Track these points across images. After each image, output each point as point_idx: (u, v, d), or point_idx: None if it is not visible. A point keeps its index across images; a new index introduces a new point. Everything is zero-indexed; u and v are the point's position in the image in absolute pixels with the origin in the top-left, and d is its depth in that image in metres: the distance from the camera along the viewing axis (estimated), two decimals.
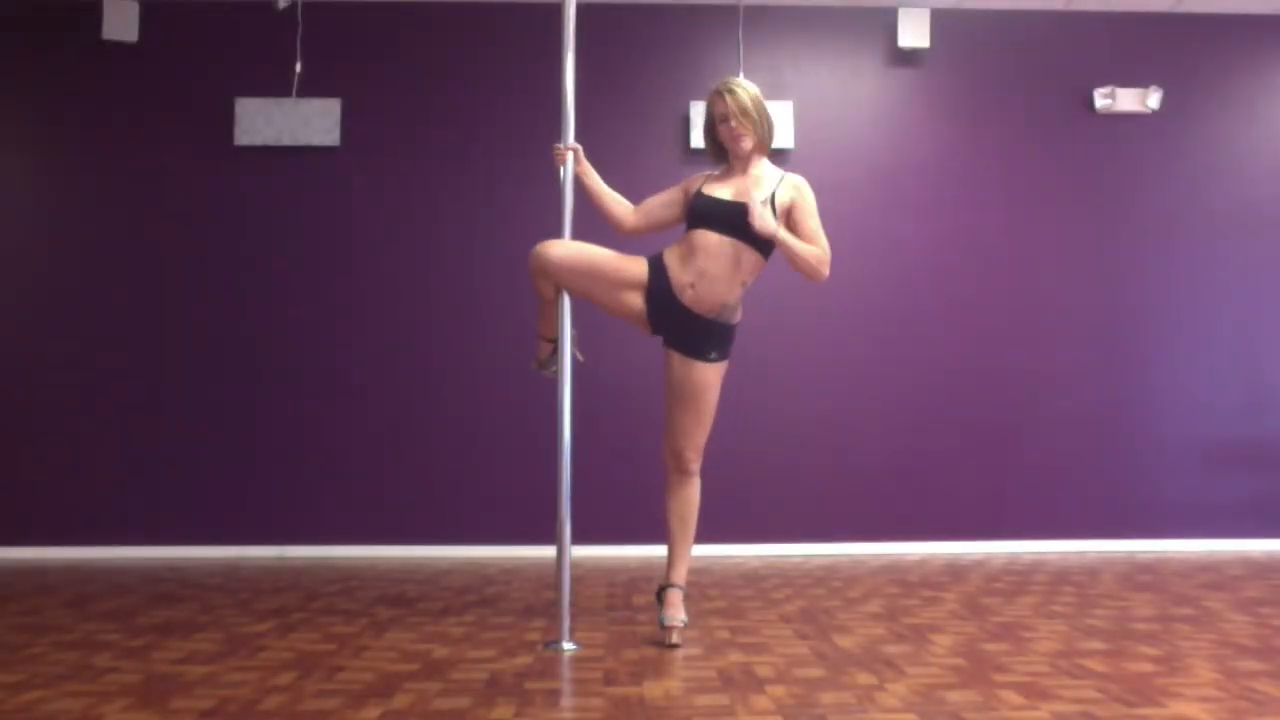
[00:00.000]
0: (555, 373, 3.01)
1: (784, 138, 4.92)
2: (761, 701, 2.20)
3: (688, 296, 2.92)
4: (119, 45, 4.90)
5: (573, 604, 2.97)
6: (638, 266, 2.98)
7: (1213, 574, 4.11)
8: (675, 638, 2.80)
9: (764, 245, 2.92)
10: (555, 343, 3.05)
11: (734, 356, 4.76)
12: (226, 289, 4.89)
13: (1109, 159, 5.11)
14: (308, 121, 4.87)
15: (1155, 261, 5.08)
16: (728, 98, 2.94)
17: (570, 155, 3.05)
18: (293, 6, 4.90)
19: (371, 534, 4.79)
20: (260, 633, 2.95)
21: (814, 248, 2.94)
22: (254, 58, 4.95)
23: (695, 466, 3.05)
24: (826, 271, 2.94)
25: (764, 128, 2.98)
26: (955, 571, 4.21)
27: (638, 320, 3.02)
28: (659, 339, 3.06)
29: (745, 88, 2.97)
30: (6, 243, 4.89)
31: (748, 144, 2.96)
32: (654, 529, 4.76)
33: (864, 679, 2.40)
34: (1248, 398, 5.03)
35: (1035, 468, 4.95)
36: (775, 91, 5.04)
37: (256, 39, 4.95)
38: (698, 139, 4.90)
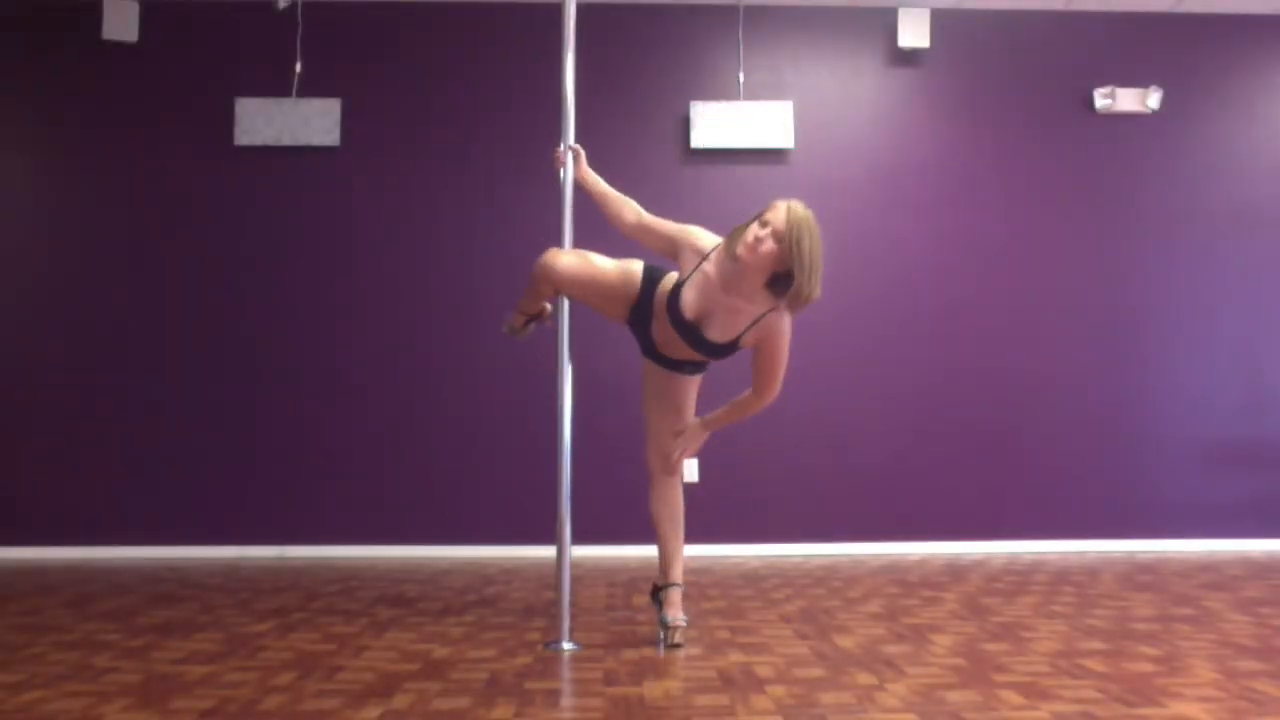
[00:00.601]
0: (526, 337, 3.19)
1: (784, 138, 4.92)
2: (761, 701, 2.20)
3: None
4: (119, 45, 4.91)
5: (573, 604, 2.97)
6: (633, 286, 2.90)
7: (1213, 574, 4.11)
8: (679, 637, 2.79)
9: (698, 368, 2.95)
10: (532, 318, 3.16)
11: (734, 358, 4.74)
12: (226, 289, 4.89)
13: (1109, 159, 5.11)
14: (308, 121, 4.87)
15: (1155, 261, 5.08)
16: (787, 214, 2.56)
17: (570, 156, 3.02)
18: (293, 6, 4.91)
19: (371, 534, 4.79)
20: (260, 633, 2.95)
21: (744, 405, 2.86)
22: (254, 58, 4.95)
23: (681, 466, 3.06)
24: (765, 405, 2.86)
25: (800, 273, 2.55)
26: (955, 571, 4.21)
27: (618, 321, 3.02)
28: None
29: (815, 233, 2.58)
30: (7, 243, 4.89)
31: (757, 275, 2.60)
32: (652, 529, 4.77)
33: (864, 679, 2.40)
34: (1248, 398, 5.03)
35: (1035, 468, 4.95)
36: (775, 92, 5.05)
37: (256, 39, 4.95)
38: (698, 139, 4.91)
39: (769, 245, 2.57)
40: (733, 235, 2.68)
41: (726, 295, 2.68)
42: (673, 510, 3.02)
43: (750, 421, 4.83)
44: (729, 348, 2.75)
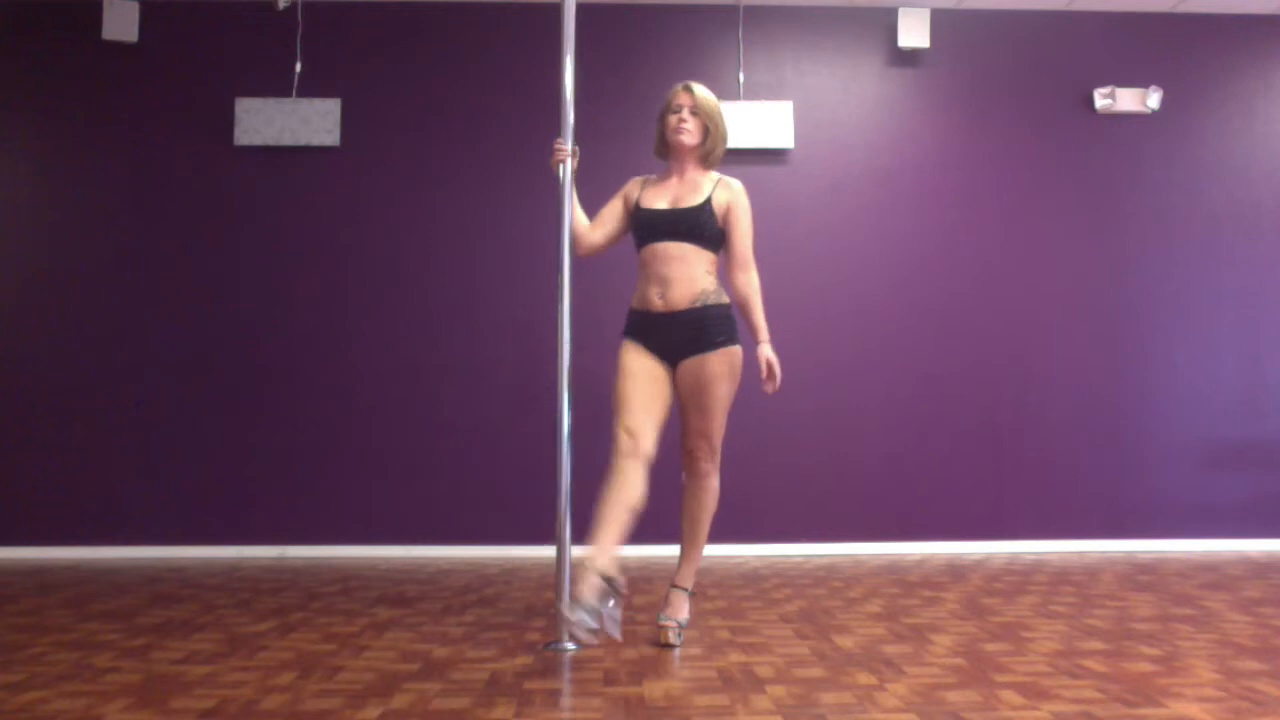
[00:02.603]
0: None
1: (784, 138, 4.92)
2: (761, 701, 2.20)
3: (658, 305, 2.87)
4: (119, 45, 4.91)
5: None
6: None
7: (1213, 574, 4.11)
8: (670, 637, 2.78)
9: (714, 243, 2.91)
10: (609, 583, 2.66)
11: None
12: (226, 289, 4.89)
13: (1109, 159, 5.11)
14: (308, 121, 4.87)
15: (1155, 261, 5.08)
16: (688, 93, 2.94)
17: (570, 154, 2.98)
18: (293, 6, 4.91)
19: (371, 534, 4.79)
20: (260, 633, 2.95)
21: (746, 294, 2.93)
22: (254, 58, 4.95)
23: (706, 466, 2.97)
24: (754, 271, 2.94)
25: (715, 135, 2.94)
26: (955, 571, 4.21)
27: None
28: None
29: (709, 94, 2.97)
30: (6, 243, 4.89)
31: (689, 139, 2.93)
32: (653, 529, 4.77)
33: (864, 679, 2.40)
34: (1248, 398, 5.03)
35: (1035, 468, 4.95)
36: (775, 92, 5.05)
37: (256, 39, 4.96)
38: None
39: (690, 120, 2.93)
40: (659, 138, 3.01)
41: (680, 182, 2.97)
42: (693, 511, 3.00)
43: (750, 422, 4.88)
44: (704, 207, 2.89)
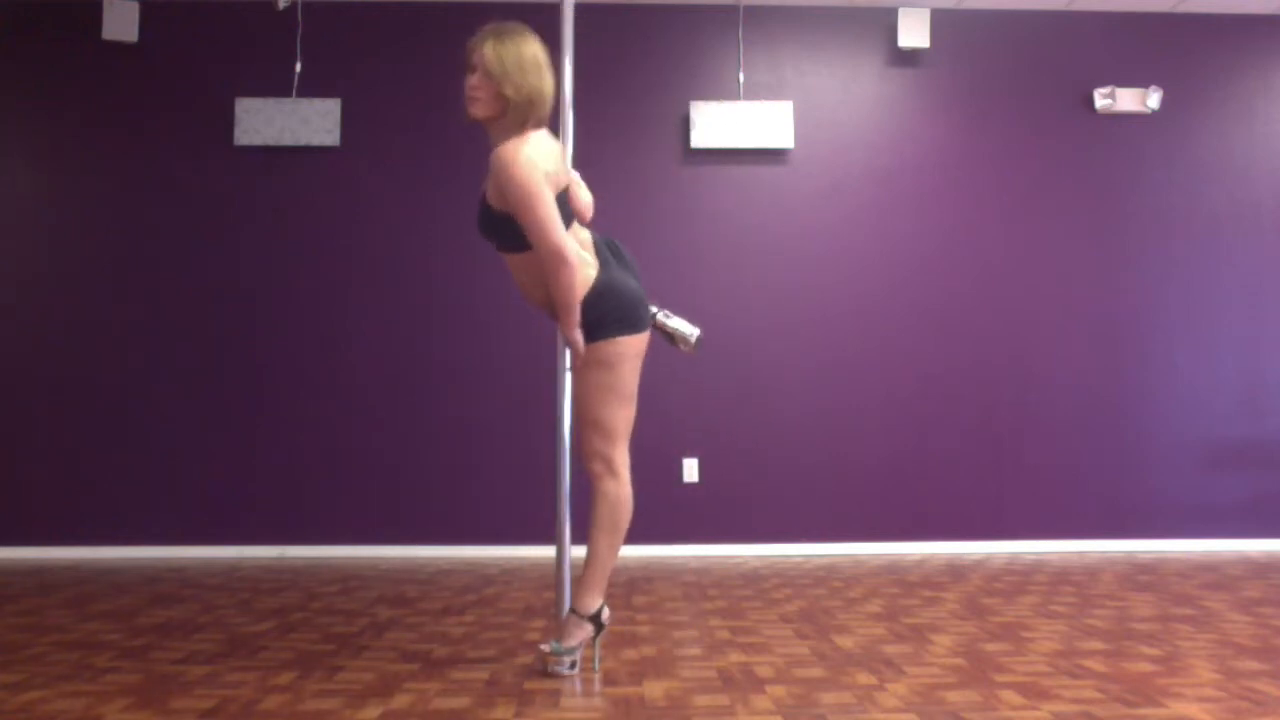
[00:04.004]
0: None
1: (784, 138, 4.92)
2: (761, 701, 2.20)
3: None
4: (119, 45, 4.91)
5: None
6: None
7: (1213, 574, 4.11)
8: (553, 666, 2.44)
9: (518, 244, 2.38)
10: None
11: (734, 357, 4.76)
12: (226, 289, 4.89)
13: (1109, 159, 5.11)
14: (308, 121, 4.87)
15: (1155, 261, 5.08)
16: (478, 50, 2.34)
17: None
18: (293, 6, 4.91)
19: (371, 534, 4.79)
20: (260, 633, 2.95)
21: (561, 299, 2.33)
22: (254, 58, 4.96)
23: (595, 468, 2.46)
24: (559, 270, 2.29)
25: (517, 100, 2.31)
26: (955, 571, 4.21)
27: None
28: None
29: (509, 43, 2.33)
30: (6, 242, 4.89)
31: (478, 111, 2.35)
32: (652, 529, 4.78)
33: (864, 679, 2.40)
34: (1248, 398, 5.03)
35: (1035, 468, 4.95)
36: (775, 92, 5.05)
37: (256, 39, 4.96)
38: (698, 139, 4.90)
39: (478, 81, 2.34)
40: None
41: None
42: (592, 521, 2.51)
43: (750, 422, 4.89)
44: (483, 203, 2.39)
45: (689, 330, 2.65)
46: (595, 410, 2.43)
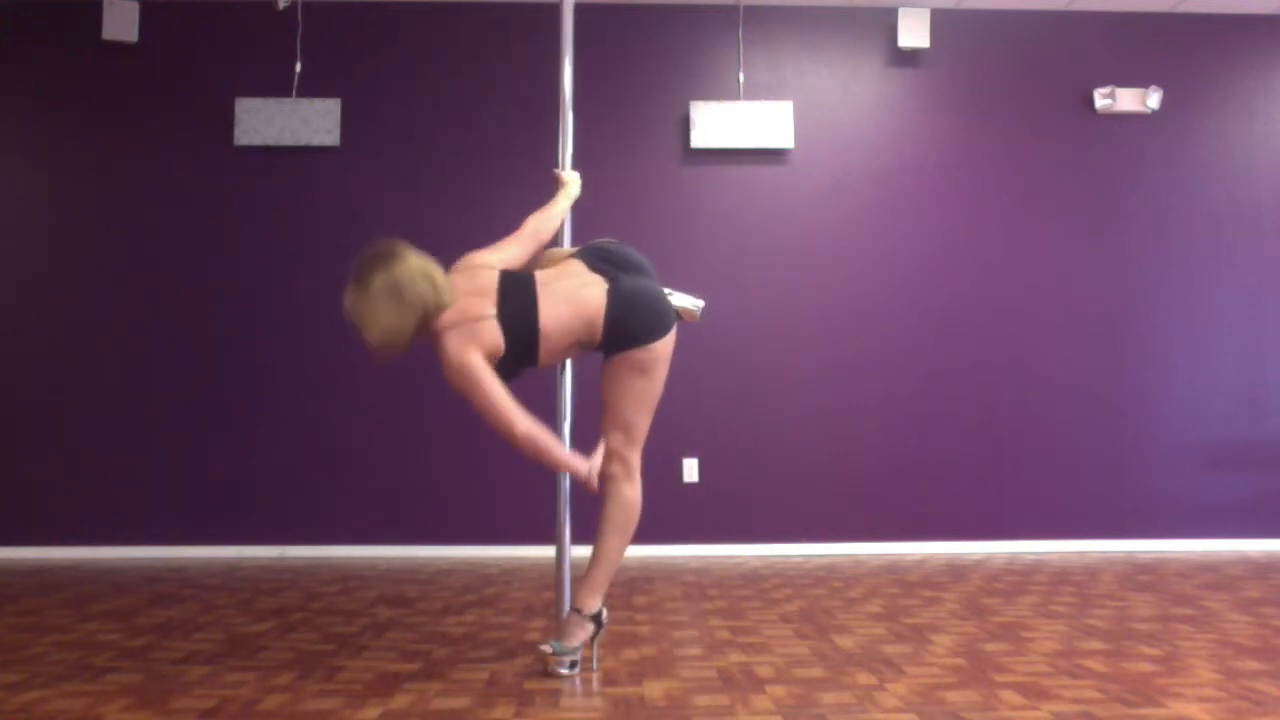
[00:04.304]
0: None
1: (784, 138, 4.92)
2: (761, 701, 2.20)
3: None
4: (119, 45, 4.91)
5: None
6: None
7: (1213, 574, 4.11)
8: (552, 667, 2.43)
9: (514, 372, 2.45)
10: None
11: (734, 357, 4.77)
12: (226, 289, 4.89)
13: (1109, 159, 5.11)
14: (308, 121, 4.87)
15: (1155, 261, 5.08)
16: (346, 299, 2.36)
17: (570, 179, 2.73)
18: (293, 6, 4.91)
19: (371, 534, 4.79)
20: (260, 633, 2.95)
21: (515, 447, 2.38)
22: (254, 58, 4.96)
23: (613, 470, 2.51)
24: (514, 444, 2.34)
25: (375, 336, 2.33)
26: (955, 571, 4.21)
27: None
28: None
29: (359, 285, 2.35)
30: (6, 242, 4.89)
31: (378, 358, 2.44)
32: (652, 529, 4.78)
33: (864, 679, 2.40)
34: (1248, 398, 5.03)
35: (1035, 468, 4.95)
36: (775, 92, 5.05)
37: (256, 39, 4.96)
38: (698, 139, 4.91)
39: (364, 331, 2.36)
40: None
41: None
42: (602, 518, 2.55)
43: (750, 422, 4.89)
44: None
45: (693, 304, 2.69)
46: (629, 414, 2.47)
